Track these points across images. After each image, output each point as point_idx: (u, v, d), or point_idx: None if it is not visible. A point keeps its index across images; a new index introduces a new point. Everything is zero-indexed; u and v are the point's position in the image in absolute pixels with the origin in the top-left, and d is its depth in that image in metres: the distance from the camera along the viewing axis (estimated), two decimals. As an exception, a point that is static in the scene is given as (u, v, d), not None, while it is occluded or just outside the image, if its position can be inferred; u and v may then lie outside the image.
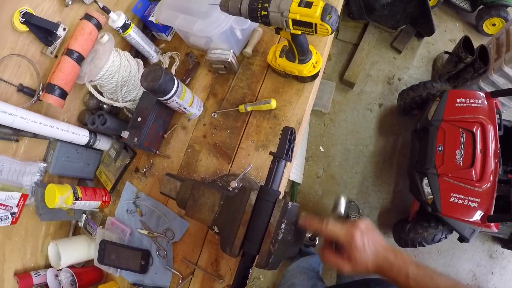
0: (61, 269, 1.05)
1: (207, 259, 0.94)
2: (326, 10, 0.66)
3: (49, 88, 0.89)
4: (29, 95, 0.95)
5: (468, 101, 1.42)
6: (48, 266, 1.15)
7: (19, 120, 0.85)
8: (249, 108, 0.94)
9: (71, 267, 1.08)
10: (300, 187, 1.90)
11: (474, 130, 1.36)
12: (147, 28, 1.19)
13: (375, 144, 1.89)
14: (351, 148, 1.91)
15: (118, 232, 1.06)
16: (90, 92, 1.04)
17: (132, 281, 1.04)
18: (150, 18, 1.12)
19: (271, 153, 0.67)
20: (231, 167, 0.95)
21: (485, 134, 1.35)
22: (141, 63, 1.07)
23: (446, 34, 2.05)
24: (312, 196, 1.87)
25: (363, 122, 1.93)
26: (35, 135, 0.97)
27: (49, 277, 1.10)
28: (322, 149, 1.93)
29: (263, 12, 0.72)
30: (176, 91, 0.86)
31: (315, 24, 0.68)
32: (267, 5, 0.71)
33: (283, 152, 0.65)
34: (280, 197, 0.65)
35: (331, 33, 0.70)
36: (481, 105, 1.39)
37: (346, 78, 1.93)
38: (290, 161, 0.69)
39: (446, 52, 1.89)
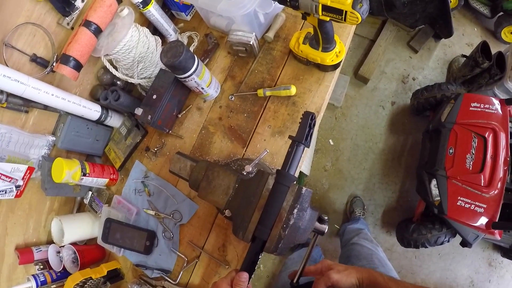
0: (63, 246, 1.04)
1: (214, 243, 0.93)
2: None
3: (64, 59, 0.87)
4: (42, 66, 0.93)
5: (482, 106, 1.41)
6: (50, 242, 1.14)
7: (31, 90, 0.83)
8: (268, 93, 0.92)
9: (73, 244, 1.07)
10: (307, 179, 1.88)
11: (486, 136, 1.36)
12: (166, 6, 1.16)
13: (385, 141, 1.88)
14: (361, 144, 1.90)
15: (124, 211, 1.05)
16: (104, 67, 1.02)
17: (135, 261, 1.03)
18: (170, -4, 1.09)
19: (290, 136, 0.66)
20: (245, 151, 0.93)
21: (496, 141, 1.35)
22: (159, 40, 1.05)
23: (464, 38, 2.02)
24: (318, 189, 1.86)
25: (375, 118, 1.92)
26: (45, 107, 0.96)
27: (50, 253, 1.09)
28: (331, 143, 1.92)
29: None
30: (196, 69, 0.84)
31: (346, 12, 0.65)
32: None
33: (303, 137, 0.64)
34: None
35: (360, 22, 0.68)
36: (495, 112, 1.39)
37: (360, 73, 1.91)
38: (309, 146, 0.68)
39: (463, 56, 1.87)
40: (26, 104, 0.90)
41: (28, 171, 0.97)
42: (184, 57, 0.79)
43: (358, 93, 1.97)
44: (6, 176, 0.91)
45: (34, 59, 0.90)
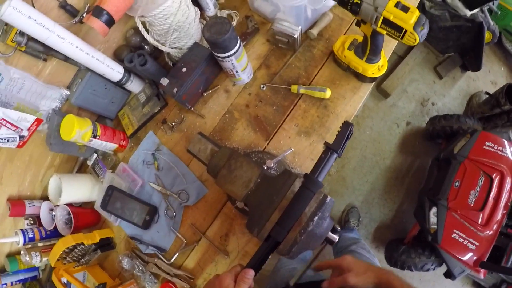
0: (58, 205, 1.01)
1: (217, 231, 0.91)
2: (421, 21, 0.64)
3: (97, 11, 0.81)
4: (70, 14, 0.88)
5: (496, 147, 1.42)
6: (44, 198, 1.11)
7: (55, 38, 0.78)
8: (302, 91, 0.89)
9: (69, 205, 1.04)
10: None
11: (493, 177, 1.37)
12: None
13: (392, 159, 1.88)
14: (369, 157, 1.89)
15: (129, 181, 1.02)
16: (135, 28, 0.97)
17: (131, 234, 1.01)
18: (216, -31, 1.04)
19: (326, 143, 0.65)
20: (267, 144, 0.91)
21: (502, 184, 1.36)
22: (198, 12, 1.00)
23: (489, 75, 2.01)
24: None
25: (387, 134, 1.91)
26: (66, 59, 0.91)
27: (43, 210, 1.07)
28: None
29: (356, 0, 0.67)
30: (236, 51, 0.81)
31: (405, 31, 0.65)
32: None
33: (339, 146, 0.63)
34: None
35: (416, 44, 0.67)
36: (507, 155, 1.40)
37: (383, 87, 1.89)
38: (340, 156, 0.66)
39: (487, 93, 1.86)
40: (46, 52, 0.86)
41: (36, 123, 0.93)
42: (228, 36, 0.76)
43: (377, 106, 1.95)
44: (11, 124, 0.87)
45: (64, 5, 0.85)
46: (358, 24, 0.74)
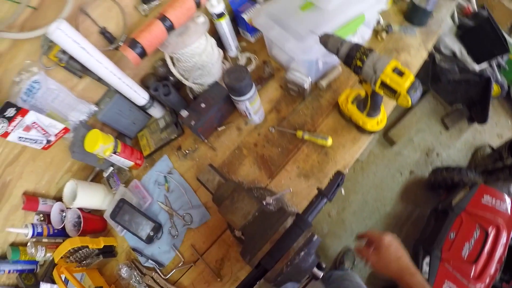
0: (69, 208, 1.08)
1: (213, 255, 0.97)
2: (414, 85, 0.70)
3: (132, 43, 0.91)
4: (108, 40, 0.99)
5: (493, 202, 1.45)
6: (56, 198, 1.19)
7: (93, 61, 0.89)
8: (306, 137, 0.97)
9: (80, 209, 1.11)
10: (311, 221, 1.91)
11: (488, 231, 1.39)
12: (235, 22, 1.22)
13: (393, 206, 1.90)
14: (370, 202, 1.92)
15: (139, 197, 1.09)
16: (163, 60, 1.07)
17: (133, 245, 1.08)
18: (243, 15, 1.16)
19: (318, 188, 0.70)
20: (270, 182, 0.98)
21: (497, 238, 1.38)
22: (222, 54, 1.11)
23: (496, 128, 2.06)
24: (317, 231, 1.89)
25: (390, 182, 1.95)
26: (99, 79, 1.01)
27: (54, 209, 1.14)
28: (343, 192, 1.96)
29: (358, 63, 0.75)
30: (251, 96, 0.90)
31: (399, 93, 0.71)
32: (365, 58, 0.74)
33: (329, 192, 0.69)
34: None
35: (409, 106, 0.73)
36: (504, 211, 1.42)
37: (390, 135, 1.95)
38: (331, 201, 0.72)
39: (490, 146, 1.90)
40: (82, 71, 0.96)
41: (63, 131, 1.02)
42: (245, 83, 0.85)
43: (382, 153, 2.01)
44: (42, 129, 0.96)
45: (103, 32, 0.96)
46: (360, 82, 0.82)
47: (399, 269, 0.71)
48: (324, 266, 0.73)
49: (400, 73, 0.70)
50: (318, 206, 0.69)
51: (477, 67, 1.69)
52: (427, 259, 1.46)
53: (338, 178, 0.70)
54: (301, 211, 0.88)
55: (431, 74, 1.82)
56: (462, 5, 1.73)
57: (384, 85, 0.73)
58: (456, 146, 1.98)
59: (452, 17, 1.68)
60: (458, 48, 1.67)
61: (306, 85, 0.98)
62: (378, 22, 1.16)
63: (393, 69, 0.71)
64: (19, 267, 1.19)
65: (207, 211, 1.01)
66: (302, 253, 0.65)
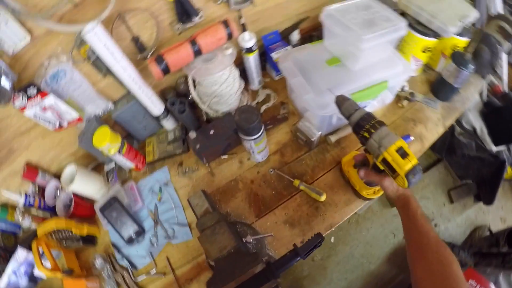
0: (65, 190, 1.12)
1: (185, 273, 0.99)
2: (414, 170, 0.69)
3: (159, 59, 0.97)
4: (138, 49, 1.04)
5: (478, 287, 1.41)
6: (56, 175, 1.24)
7: (119, 67, 0.94)
8: (301, 187, 0.99)
9: (75, 194, 1.14)
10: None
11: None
12: (264, 56, 1.25)
13: (378, 266, 1.87)
14: (356, 256, 1.90)
15: (131, 199, 1.13)
16: (186, 78, 1.10)
17: (113, 241, 1.11)
18: (272, 54, 1.19)
19: (294, 245, 0.71)
20: (255, 221, 0.99)
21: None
22: (243, 86, 1.14)
23: (501, 211, 2.01)
24: (296, 271, 1.88)
25: (381, 241, 1.92)
26: (121, 82, 1.04)
27: (50, 186, 1.19)
28: (332, 240, 1.95)
29: (365, 134, 0.76)
30: (256, 138, 0.93)
31: (398, 174, 0.71)
32: (373, 131, 0.75)
33: (304, 252, 0.69)
34: None
35: (406, 188, 0.73)
36: None
37: (392, 196, 1.93)
38: (304, 259, 0.73)
39: (489, 230, 1.86)
40: (108, 71, 0.99)
41: (77, 120, 1.09)
42: (253, 125, 0.88)
43: (381, 211, 1.99)
44: (57, 113, 1.03)
45: (136, 40, 1.02)
46: (366, 151, 0.83)
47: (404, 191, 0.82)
48: None
49: (404, 155, 0.70)
50: (290, 262, 0.69)
51: (494, 148, 1.67)
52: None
53: (316, 240, 0.71)
54: (278, 257, 0.91)
55: (448, 145, 1.81)
56: (494, 83, 1.71)
57: (385, 162, 0.74)
58: (457, 221, 1.94)
59: (481, 93, 1.66)
60: (479, 125, 1.65)
61: (315, 139, 1.00)
62: (403, 88, 1.16)
63: (397, 149, 0.71)
64: (3, 226, 1.22)
65: (190, 232, 1.03)
66: None
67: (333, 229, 0.97)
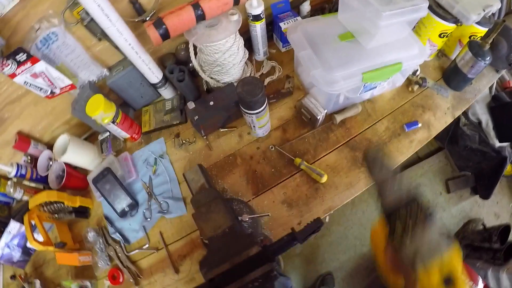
0: (57, 160, 1.09)
1: (178, 249, 0.97)
2: None
3: (158, 23, 0.88)
4: (136, 12, 0.97)
5: (466, 281, 1.41)
6: (48, 146, 1.20)
7: (114, 30, 0.87)
8: (302, 166, 0.95)
9: (67, 164, 1.11)
10: (284, 233, 1.90)
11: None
12: (271, 26, 1.19)
13: (370, 249, 1.85)
14: (350, 238, 1.90)
15: (125, 171, 1.09)
16: (187, 43, 1.04)
17: (106, 214, 1.09)
18: (281, 24, 1.12)
19: (292, 229, 0.68)
20: (252, 199, 0.96)
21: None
22: (247, 55, 1.07)
23: (495, 207, 2.00)
24: (289, 250, 1.87)
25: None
26: (117, 47, 0.99)
27: (43, 156, 1.16)
28: (327, 220, 1.93)
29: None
30: (259, 112, 0.88)
31: None
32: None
33: (302, 237, 0.67)
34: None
35: None
36: None
37: (389, 180, 1.91)
38: (301, 244, 0.70)
39: (483, 224, 1.87)
40: (103, 35, 0.94)
41: (69, 87, 1.04)
42: (256, 99, 0.83)
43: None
44: (49, 80, 0.98)
45: (134, 2, 0.94)
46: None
47: None
48: None
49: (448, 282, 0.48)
50: (287, 246, 0.67)
51: (497, 144, 1.64)
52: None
53: (315, 226, 0.68)
54: (274, 238, 0.88)
55: (451, 134, 1.78)
56: (504, 77, 1.66)
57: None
58: (451, 211, 1.94)
59: (490, 86, 1.62)
60: (485, 119, 1.61)
61: (319, 117, 0.95)
62: (415, 73, 1.11)
63: (445, 279, 0.48)
64: None
65: (185, 207, 1.00)
66: (256, 284, 0.63)
67: (331, 212, 0.94)
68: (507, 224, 1.69)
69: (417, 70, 1.11)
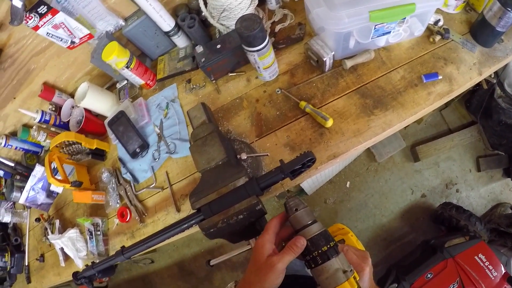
0: (78, 106, 1.16)
1: (182, 188, 1.00)
2: None
3: None
4: None
5: (486, 264, 1.30)
6: (72, 95, 1.29)
7: None
8: (307, 110, 0.92)
9: (87, 110, 1.18)
10: (305, 197, 1.91)
11: (466, 288, 1.27)
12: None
13: (390, 220, 1.82)
14: (370, 206, 1.86)
15: (139, 115, 1.14)
16: None
17: (120, 155, 1.15)
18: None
19: (281, 161, 0.64)
20: (255, 141, 0.96)
21: (471, 301, 1.26)
22: (256, 2, 1.06)
23: (529, 190, 1.84)
24: None
25: (398, 196, 1.85)
26: None
27: (66, 104, 1.24)
28: (348, 185, 1.91)
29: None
30: (260, 50, 0.87)
31: None
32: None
33: (289, 169, 0.62)
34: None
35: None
36: (493, 278, 1.28)
37: (417, 151, 1.83)
38: (291, 179, 0.67)
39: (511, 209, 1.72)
40: None
41: (88, 36, 1.10)
42: (254, 33, 0.81)
43: (403, 164, 1.90)
44: (68, 30, 1.05)
45: None
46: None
47: None
48: None
49: None
50: (274, 179, 0.64)
51: (535, 119, 1.50)
52: (394, 285, 1.40)
53: (304, 158, 0.62)
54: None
55: (484, 106, 1.65)
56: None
57: None
58: (480, 191, 1.80)
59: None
60: (524, 91, 1.47)
61: (326, 58, 0.92)
62: (436, 23, 1.03)
63: None
64: (26, 146, 1.35)
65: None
66: (240, 216, 0.63)
67: (338, 160, 0.90)
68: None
69: (439, 19, 1.03)
